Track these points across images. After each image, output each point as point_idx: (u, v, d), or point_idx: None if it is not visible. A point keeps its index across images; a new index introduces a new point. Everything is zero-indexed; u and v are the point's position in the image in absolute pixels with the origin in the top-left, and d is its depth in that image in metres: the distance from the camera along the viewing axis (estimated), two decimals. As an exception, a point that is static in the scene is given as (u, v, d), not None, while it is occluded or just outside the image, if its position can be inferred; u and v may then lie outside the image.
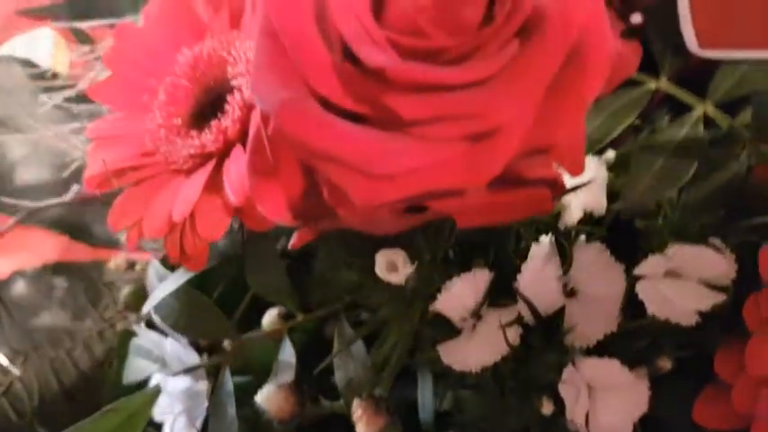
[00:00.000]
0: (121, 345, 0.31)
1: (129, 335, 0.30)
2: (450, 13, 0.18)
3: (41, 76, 0.39)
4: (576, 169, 0.19)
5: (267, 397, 0.23)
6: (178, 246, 0.23)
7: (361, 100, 0.18)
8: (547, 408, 0.21)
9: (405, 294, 0.22)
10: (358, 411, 0.23)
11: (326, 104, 0.19)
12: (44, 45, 0.42)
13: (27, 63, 0.39)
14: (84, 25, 0.40)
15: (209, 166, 0.23)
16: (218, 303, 0.27)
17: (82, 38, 0.43)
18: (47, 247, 0.38)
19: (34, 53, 0.42)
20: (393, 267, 0.22)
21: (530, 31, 0.18)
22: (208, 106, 0.25)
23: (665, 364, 0.21)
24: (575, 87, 0.18)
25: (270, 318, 0.28)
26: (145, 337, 0.27)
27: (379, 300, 0.23)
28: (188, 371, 0.25)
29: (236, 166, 0.22)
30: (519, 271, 0.22)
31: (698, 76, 0.22)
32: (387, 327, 0.25)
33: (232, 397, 0.25)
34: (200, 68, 0.25)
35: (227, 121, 0.23)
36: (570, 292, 0.22)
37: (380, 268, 0.21)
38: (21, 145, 0.37)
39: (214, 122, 0.23)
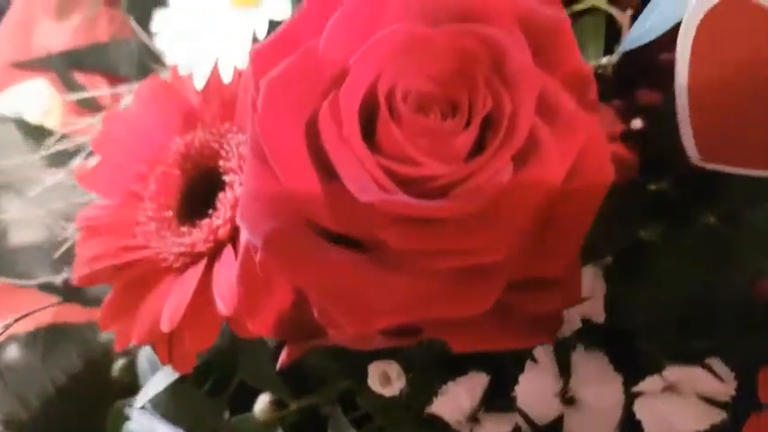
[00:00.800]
0: (113, 424, 0.30)
1: (120, 414, 0.30)
2: (441, 141, 0.18)
3: (36, 131, 0.39)
4: (576, 299, 0.18)
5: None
6: (167, 350, 0.22)
7: (352, 227, 0.18)
8: None
9: (399, 402, 0.22)
10: None
11: (318, 229, 0.18)
12: (39, 97, 0.42)
13: (20, 122, 0.39)
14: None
15: (200, 268, 0.22)
16: (210, 384, 0.27)
17: (76, 88, 0.42)
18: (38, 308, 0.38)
19: (28, 106, 0.41)
20: (386, 380, 0.21)
21: (524, 159, 0.18)
22: (199, 199, 0.24)
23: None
24: (570, 219, 0.18)
25: (262, 404, 0.27)
26: (137, 422, 0.27)
27: (373, 408, 0.22)
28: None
29: (226, 272, 0.21)
30: (516, 378, 0.22)
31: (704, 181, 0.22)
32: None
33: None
34: (192, 158, 0.25)
35: (218, 220, 0.23)
36: (569, 400, 0.22)
37: (373, 381, 0.21)
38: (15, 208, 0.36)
39: (205, 221, 0.23)
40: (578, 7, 0.22)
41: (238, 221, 0.18)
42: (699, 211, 0.21)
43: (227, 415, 0.28)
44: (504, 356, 0.23)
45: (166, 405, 0.26)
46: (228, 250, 0.22)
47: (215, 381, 0.27)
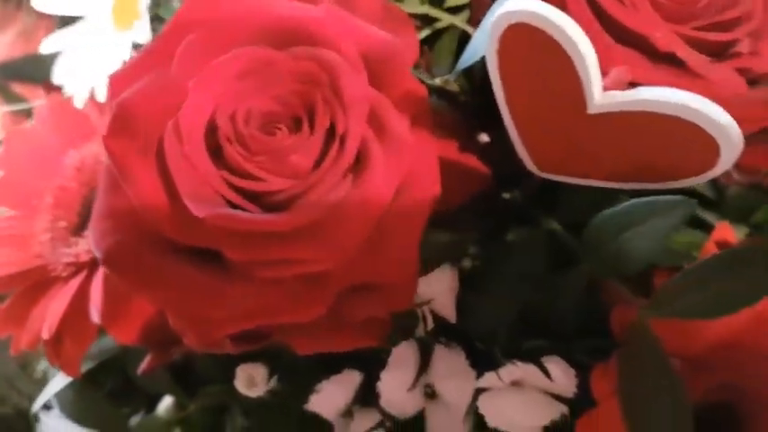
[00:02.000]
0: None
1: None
2: (281, 158, 0.19)
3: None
4: (403, 306, 0.19)
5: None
6: (53, 354, 0.24)
7: (196, 240, 0.19)
8: None
9: (274, 402, 0.23)
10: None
11: (165, 241, 0.20)
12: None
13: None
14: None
15: (81, 277, 0.23)
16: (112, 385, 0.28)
17: (14, 99, 0.43)
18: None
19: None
20: (252, 382, 0.22)
21: (358, 175, 0.19)
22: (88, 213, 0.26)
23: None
24: (400, 228, 0.19)
25: (165, 405, 0.28)
26: (45, 424, 0.28)
27: (248, 407, 0.23)
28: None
29: (99, 282, 0.23)
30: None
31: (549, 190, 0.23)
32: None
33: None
34: (87, 171, 0.26)
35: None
36: (431, 395, 0.23)
37: (240, 383, 0.22)
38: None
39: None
40: (439, 25, 0.24)
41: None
42: (544, 219, 0.22)
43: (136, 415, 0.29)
44: (376, 355, 0.24)
45: (72, 406, 0.27)
46: (109, 261, 0.24)
47: (115, 382, 0.28)
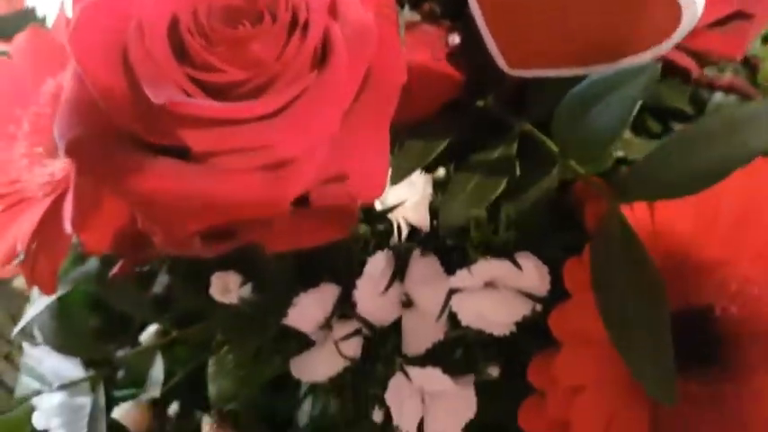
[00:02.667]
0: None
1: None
2: (242, 49, 0.19)
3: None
4: (373, 196, 0.19)
5: (123, 413, 0.24)
6: (30, 269, 0.24)
7: (161, 134, 0.19)
8: (377, 416, 0.22)
9: (244, 314, 0.23)
10: (206, 427, 0.23)
11: (132, 139, 0.19)
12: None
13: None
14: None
15: (54, 195, 0.23)
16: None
17: None
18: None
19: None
20: (227, 289, 0.22)
21: (323, 63, 0.19)
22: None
23: (493, 371, 0.22)
24: (369, 118, 0.19)
25: (148, 334, 0.28)
26: (28, 355, 0.28)
27: (221, 322, 0.23)
28: (65, 386, 0.26)
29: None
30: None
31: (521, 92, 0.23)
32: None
33: (104, 411, 0.26)
34: (63, 97, 0.26)
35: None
36: (406, 303, 0.23)
37: (215, 290, 0.22)
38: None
39: (65, 151, 0.24)
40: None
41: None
42: (516, 122, 0.22)
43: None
44: (353, 267, 0.24)
45: (52, 332, 0.27)
46: (82, 177, 0.24)
47: (101, 319, 0.28)
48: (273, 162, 0.18)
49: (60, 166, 0.24)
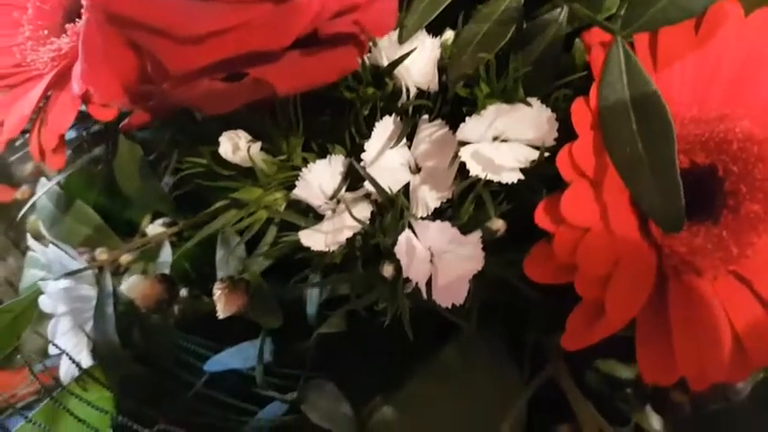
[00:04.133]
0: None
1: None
2: None
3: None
4: (383, 30, 0.19)
5: (131, 285, 0.24)
6: (37, 144, 0.24)
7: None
8: (387, 271, 0.22)
9: (260, 182, 0.23)
10: (217, 292, 0.23)
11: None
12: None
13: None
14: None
15: (62, 64, 0.23)
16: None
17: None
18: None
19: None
20: (236, 147, 0.22)
21: None
22: (73, 14, 0.26)
23: (498, 225, 0.22)
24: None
25: (155, 228, 0.28)
26: (34, 248, 0.28)
27: (233, 185, 0.23)
28: (69, 274, 0.26)
29: (80, 60, 0.23)
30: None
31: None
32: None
33: (111, 297, 0.26)
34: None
35: (82, 23, 0.24)
36: (416, 169, 0.23)
37: (224, 149, 0.22)
38: None
39: (70, 26, 0.24)
40: None
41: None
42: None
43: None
44: (360, 130, 0.24)
45: (58, 223, 0.27)
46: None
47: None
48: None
49: (66, 41, 0.24)
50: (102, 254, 0.26)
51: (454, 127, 0.23)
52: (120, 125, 0.21)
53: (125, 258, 0.28)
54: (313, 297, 0.28)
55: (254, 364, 0.28)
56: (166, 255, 0.26)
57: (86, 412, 0.26)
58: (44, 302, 0.26)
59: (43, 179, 0.29)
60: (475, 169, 0.21)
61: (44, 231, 0.28)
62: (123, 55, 0.21)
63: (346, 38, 0.19)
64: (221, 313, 0.23)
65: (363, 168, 0.23)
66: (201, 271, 0.28)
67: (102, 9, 0.19)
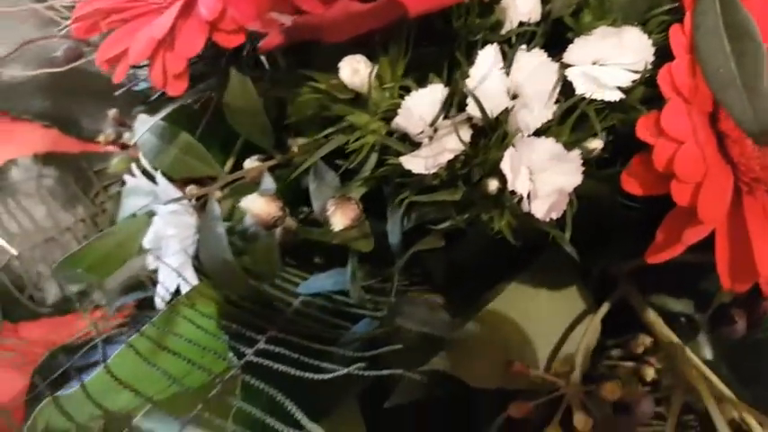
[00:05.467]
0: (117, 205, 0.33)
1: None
2: None
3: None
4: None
5: (251, 200, 0.25)
6: (161, 69, 0.25)
7: None
8: (492, 185, 0.24)
9: (367, 107, 0.25)
10: (331, 208, 0.25)
11: None
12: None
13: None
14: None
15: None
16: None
17: None
18: (36, 139, 0.40)
19: None
20: (356, 72, 0.24)
21: None
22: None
23: (596, 144, 0.24)
24: None
25: (250, 163, 0.30)
26: (138, 176, 0.30)
27: (346, 110, 0.25)
28: (176, 200, 0.28)
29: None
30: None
31: None
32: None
33: (220, 219, 0.28)
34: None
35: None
36: (513, 96, 0.25)
37: (345, 73, 0.24)
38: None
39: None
40: None
41: None
42: None
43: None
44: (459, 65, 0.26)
45: (161, 154, 0.29)
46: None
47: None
48: None
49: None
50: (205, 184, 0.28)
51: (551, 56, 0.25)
52: (260, 46, 0.22)
53: (218, 193, 0.29)
54: (395, 226, 0.30)
55: (344, 287, 0.30)
56: (268, 182, 0.28)
57: (190, 331, 0.28)
58: (157, 223, 0.28)
59: (142, 116, 0.30)
60: (581, 88, 0.23)
61: (145, 164, 0.29)
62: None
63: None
64: (337, 226, 0.25)
65: (472, 93, 0.25)
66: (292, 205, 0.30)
67: None
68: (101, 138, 0.36)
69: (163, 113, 0.28)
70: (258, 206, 0.26)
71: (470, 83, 0.25)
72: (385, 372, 0.24)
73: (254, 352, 0.25)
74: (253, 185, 0.30)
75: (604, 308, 0.29)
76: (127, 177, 0.31)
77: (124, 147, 0.36)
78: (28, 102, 0.40)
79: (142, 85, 0.34)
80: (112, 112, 0.35)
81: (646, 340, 0.29)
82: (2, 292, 0.36)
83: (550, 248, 0.28)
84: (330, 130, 0.26)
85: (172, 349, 0.27)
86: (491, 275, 0.31)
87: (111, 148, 0.36)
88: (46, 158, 0.40)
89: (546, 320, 0.29)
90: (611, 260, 0.29)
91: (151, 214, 0.28)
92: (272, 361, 0.25)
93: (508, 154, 0.24)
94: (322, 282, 0.30)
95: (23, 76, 0.39)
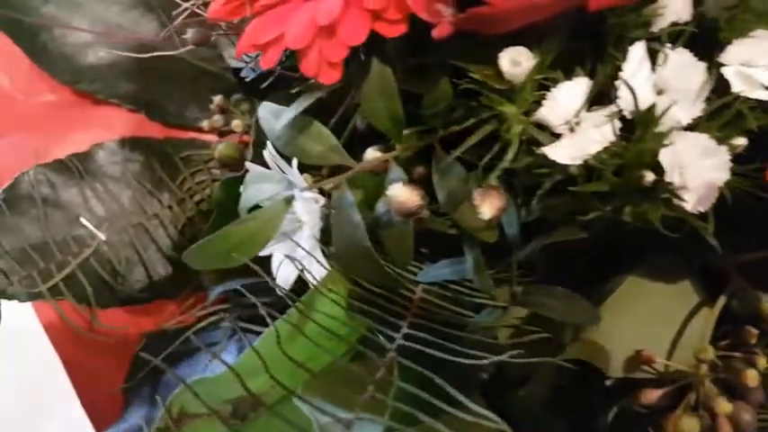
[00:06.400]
0: (225, 191, 0.33)
1: (231, 182, 0.33)
2: None
3: None
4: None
5: (396, 189, 0.26)
6: (317, 57, 0.25)
7: None
8: (648, 177, 0.25)
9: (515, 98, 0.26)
10: (477, 197, 0.26)
11: None
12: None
13: None
14: None
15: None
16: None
17: None
18: (121, 123, 0.40)
19: None
20: (516, 62, 0.25)
21: None
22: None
23: (741, 141, 0.25)
24: None
25: (371, 153, 0.30)
26: (269, 162, 0.30)
27: (497, 100, 0.26)
28: (308, 188, 0.28)
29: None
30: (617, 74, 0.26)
31: None
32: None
33: (355, 207, 0.28)
34: None
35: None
36: (659, 93, 0.26)
37: (505, 64, 0.25)
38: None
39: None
40: None
41: None
42: None
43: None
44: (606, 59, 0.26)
45: (291, 143, 0.29)
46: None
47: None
48: None
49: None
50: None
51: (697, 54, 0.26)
52: (435, 34, 0.23)
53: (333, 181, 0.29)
54: (512, 218, 0.30)
55: (460, 276, 0.31)
56: (397, 172, 0.28)
57: (320, 316, 0.28)
58: (300, 207, 0.28)
59: (266, 103, 0.30)
60: (738, 87, 0.24)
61: (271, 151, 0.29)
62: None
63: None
64: (486, 215, 0.26)
65: (630, 86, 0.25)
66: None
67: None
68: (204, 124, 0.35)
69: (306, 103, 0.28)
70: (404, 194, 0.26)
71: (623, 75, 0.26)
72: (534, 360, 0.25)
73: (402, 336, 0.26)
74: (370, 175, 0.30)
75: (721, 300, 0.30)
76: (249, 165, 0.31)
77: (222, 134, 0.36)
78: (114, 85, 0.40)
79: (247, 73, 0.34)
80: (218, 99, 0.35)
81: (753, 331, 0.30)
82: (92, 277, 0.36)
83: (656, 244, 0.29)
84: (472, 120, 0.27)
85: (306, 334, 0.27)
86: (593, 271, 0.32)
87: (207, 136, 0.36)
88: (132, 143, 0.39)
89: (662, 314, 0.30)
90: (725, 254, 0.30)
91: (287, 201, 0.28)
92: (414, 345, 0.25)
93: (668, 147, 0.25)
94: (439, 271, 0.31)
95: (110, 59, 0.38)
